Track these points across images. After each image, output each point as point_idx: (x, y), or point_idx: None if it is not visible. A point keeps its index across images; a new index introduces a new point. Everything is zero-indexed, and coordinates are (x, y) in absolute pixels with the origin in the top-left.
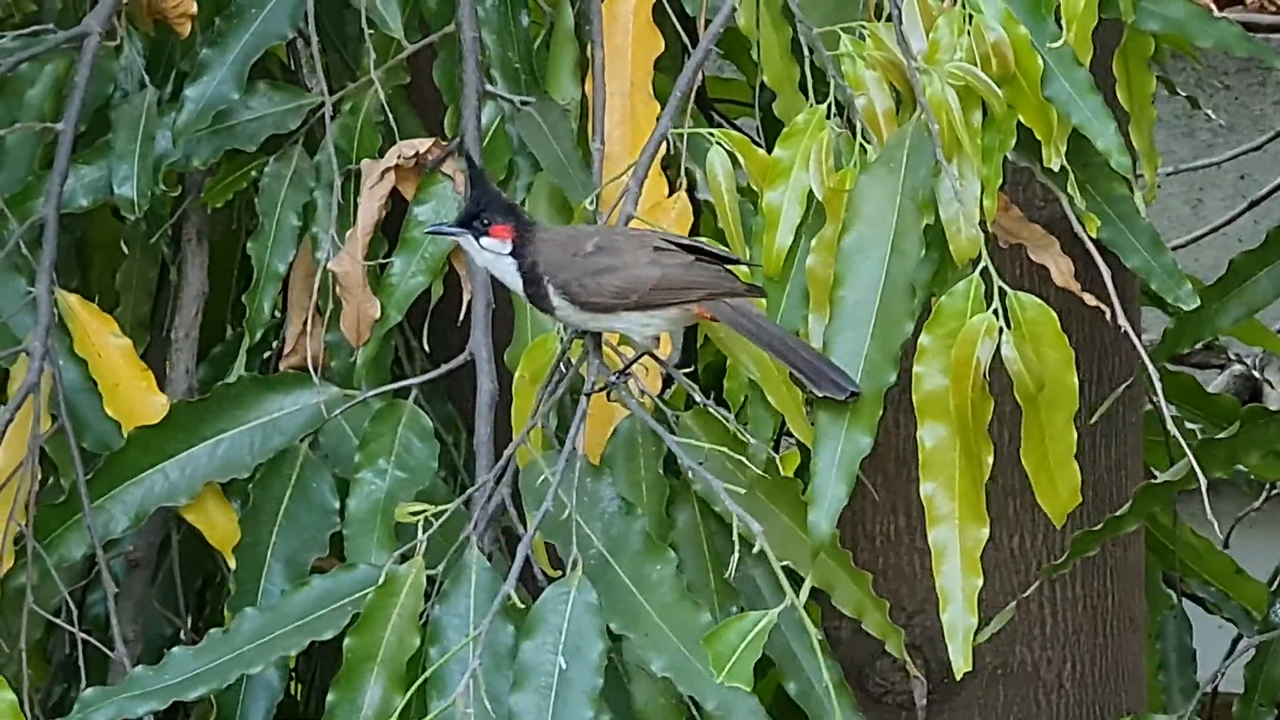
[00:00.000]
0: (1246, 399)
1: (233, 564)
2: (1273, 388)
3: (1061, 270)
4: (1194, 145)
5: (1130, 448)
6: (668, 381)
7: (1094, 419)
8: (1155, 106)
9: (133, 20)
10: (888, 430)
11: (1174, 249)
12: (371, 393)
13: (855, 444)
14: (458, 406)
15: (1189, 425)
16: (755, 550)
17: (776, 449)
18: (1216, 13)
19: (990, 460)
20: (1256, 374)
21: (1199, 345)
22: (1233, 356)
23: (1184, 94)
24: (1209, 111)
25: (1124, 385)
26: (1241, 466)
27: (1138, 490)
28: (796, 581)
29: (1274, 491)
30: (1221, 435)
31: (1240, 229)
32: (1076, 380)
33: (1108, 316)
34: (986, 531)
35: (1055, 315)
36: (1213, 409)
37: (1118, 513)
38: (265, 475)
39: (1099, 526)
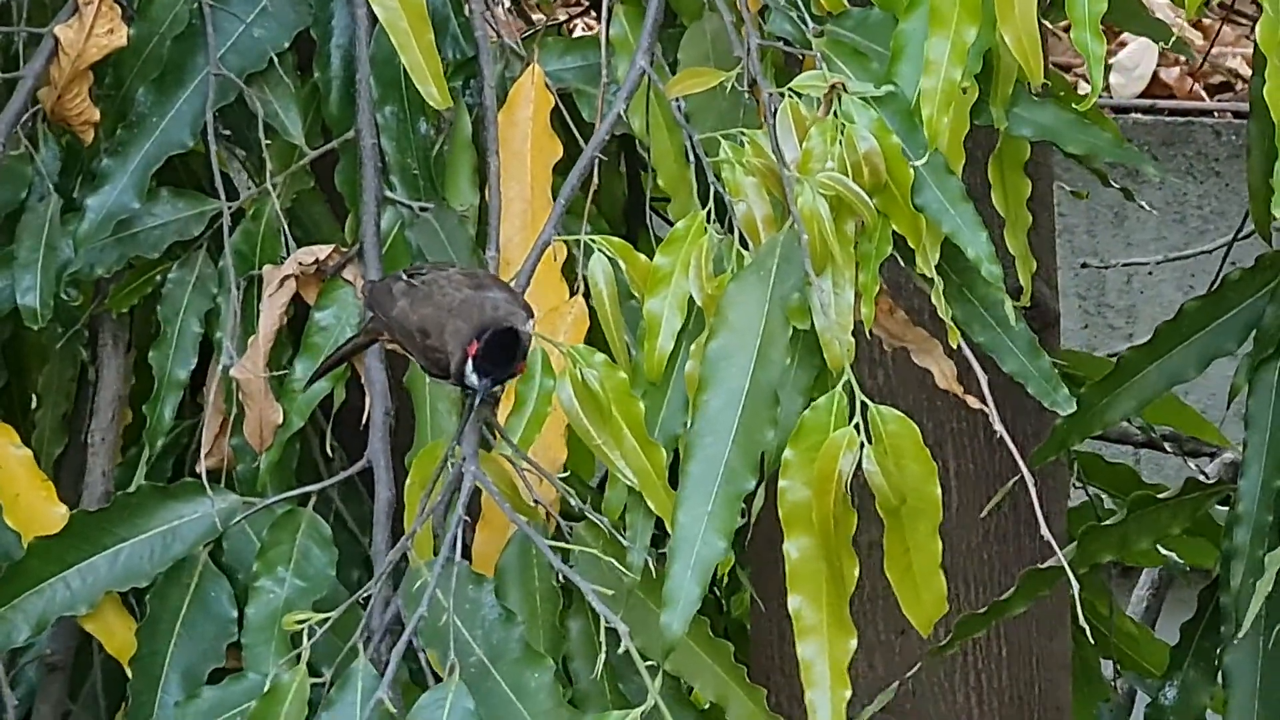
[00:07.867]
0: None
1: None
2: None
3: (945, 373)
4: (1185, 232)
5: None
6: None
7: (984, 513)
8: (1147, 192)
9: (50, 126)
10: None
11: None
12: (270, 500)
13: (711, 547)
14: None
15: None
16: (620, 650)
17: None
18: (1207, 100)
19: (855, 573)
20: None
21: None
22: (1169, 450)
23: (1118, 185)
24: (1147, 206)
25: (1012, 481)
26: None
27: (1022, 575)
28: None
29: None
30: (1109, 522)
31: None
32: (939, 492)
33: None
34: (854, 643)
35: (916, 428)
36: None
37: (1003, 596)
38: (163, 585)
39: (984, 610)
